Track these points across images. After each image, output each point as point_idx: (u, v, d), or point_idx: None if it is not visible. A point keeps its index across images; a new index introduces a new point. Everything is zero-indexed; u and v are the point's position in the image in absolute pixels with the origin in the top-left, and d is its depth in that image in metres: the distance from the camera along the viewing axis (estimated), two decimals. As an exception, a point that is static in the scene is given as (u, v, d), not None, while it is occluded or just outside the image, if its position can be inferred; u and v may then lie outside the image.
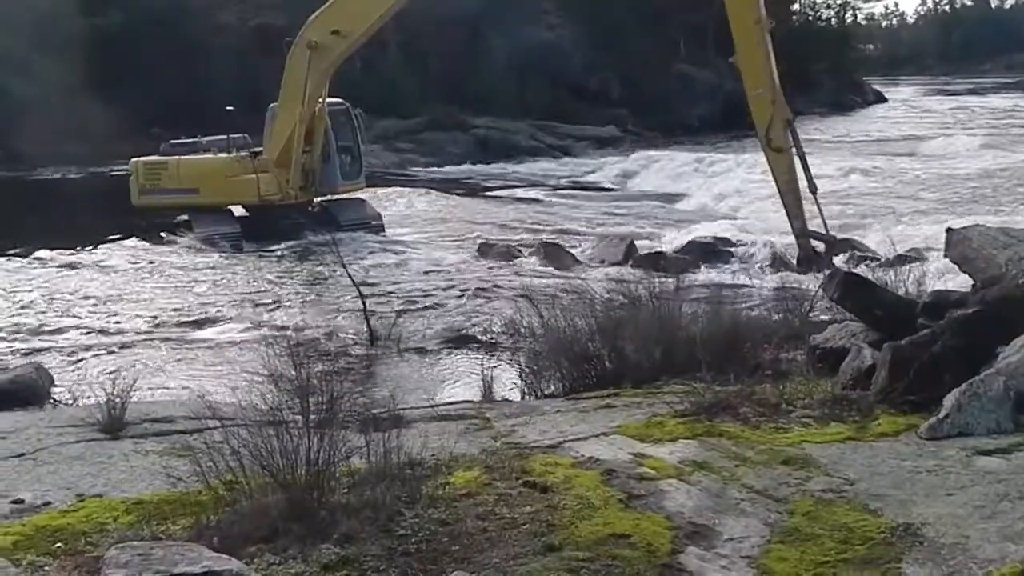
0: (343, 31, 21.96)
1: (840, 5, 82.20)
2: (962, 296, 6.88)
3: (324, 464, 4.67)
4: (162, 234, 23.96)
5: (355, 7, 21.93)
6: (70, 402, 9.57)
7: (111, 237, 23.33)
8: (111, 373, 10.07)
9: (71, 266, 20.94)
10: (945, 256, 7.69)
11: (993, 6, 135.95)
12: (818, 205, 18.92)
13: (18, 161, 38.94)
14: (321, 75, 22.36)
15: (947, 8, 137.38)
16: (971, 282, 7.13)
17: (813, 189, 18.86)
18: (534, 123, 49.26)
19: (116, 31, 42.78)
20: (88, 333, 15.33)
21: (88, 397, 8.46)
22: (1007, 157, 37.06)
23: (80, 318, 16.22)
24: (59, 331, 15.43)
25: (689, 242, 20.82)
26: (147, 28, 43.24)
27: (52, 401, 10.13)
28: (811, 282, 13.85)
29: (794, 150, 18.94)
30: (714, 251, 19.83)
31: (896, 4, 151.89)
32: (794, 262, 18.91)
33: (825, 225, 19.06)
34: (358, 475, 4.92)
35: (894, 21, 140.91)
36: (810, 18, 79.44)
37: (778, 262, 19.08)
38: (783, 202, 19.22)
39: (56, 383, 11.11)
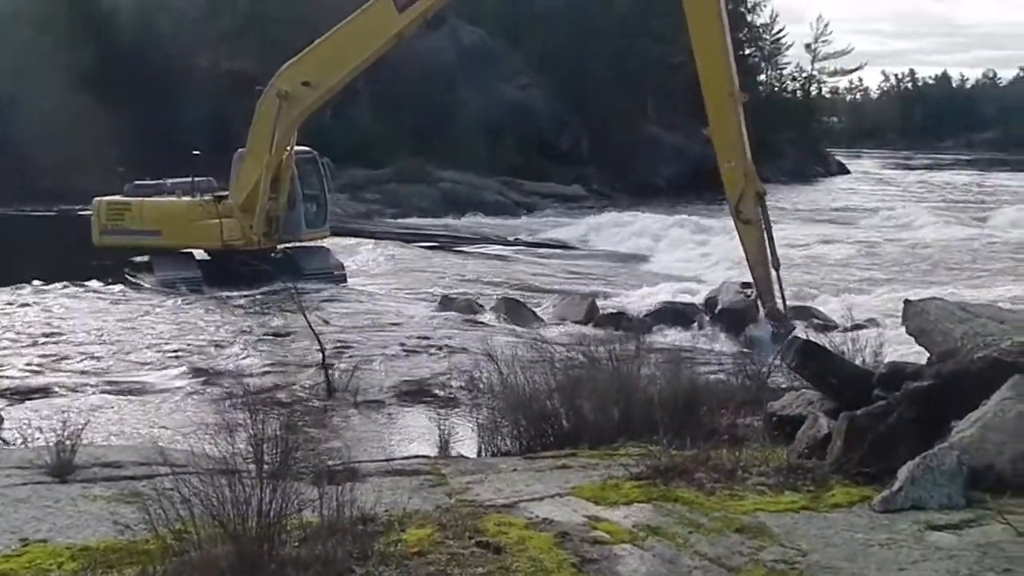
0: (313, 82, 22.05)
1: (805, 78, 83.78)
2: (918, 368, 6.94)
3: (276, 516, 4.61)
4: (123, 275, 23.79)
5: (327, 59, 22.03)
6: (19, 443, 9.39)
7: (68, 277, 23.07)
8: (62, 415, 9.90)
9: (26, 305, 20.67)
10: (902, 327, 7.76)
11: (955, 85, 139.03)
12: (779, 281, 19.10)
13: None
14: (290, 124, 22.40)
15: (910, 85, 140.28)
16: (927, 354, 7.20)
17: (776, 264, 19.06)
18: (501, 179, 49.56)
19: (90, 70, 42.66)
20: (40, 374, 15.10)
21: (37, 439, 8.31)
22: (963, 231, 37.77)
23: (32, 358, 15.99)
24: (10, 371, 15.19)
25: (658, 305, 20.88)
26: (121, 68, 43.16)
27: (0, 441, 9.95)
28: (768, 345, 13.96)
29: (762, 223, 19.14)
30: (675, 313, 19.93)
31: (860, 79, 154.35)
32: (751, 329, 19.06)
33: (784, 302, 19.23)
34: (310, 528, 4.86)
35: (858, 95, 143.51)
36: (776, 89, 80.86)
37: (737, 326, 19.21)
38: (752, 274, 19.38)
39: (5, 423, 10.93)
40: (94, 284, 22.89)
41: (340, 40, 21.96)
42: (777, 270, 19.06)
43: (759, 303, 19.35)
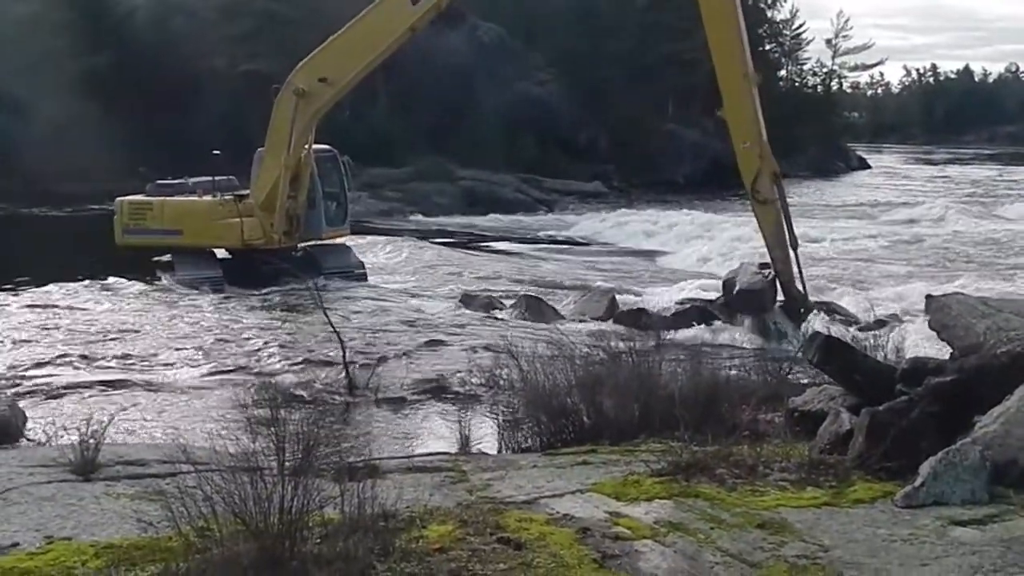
0: (330, 79, 22.11)
1: (826, 73, 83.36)
2: (940, 364, 6.90)
3: (297, 513, 4.63)
4: (142, 275, 23.92)
5: (342, 55, 22.08)
6: (43, 441, 9.46)
7: (91, 276, 23.21)
8: (85, 413, 9.96)
9: (48, 305, 20.80)
10: (924, 322, 7.73)
11: (977, 79, 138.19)
12: (798, 261, 19.01)
13: (5, 198, 38.89)
14: (307, 122, 22.46)
15: (931, 80, 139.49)
16: (950, 349, 7.16)
17: (794, 244, 18.99)
18: (520, 176, 49.55)
19: (108, 72, 42.91)
20: (63, 372, 15.19)
21: (61, 437, 8.36)
22: (985, 225, 37.56)
23: (56, 357, 16.08)
24: (34, 369, 15.29)
25: (679, 301, 20.79)
26: (138, 69, 43.39)
27: (25, 440, 10.02)
28: (791, 343, 13.91)
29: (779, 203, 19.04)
30: (696, 309, 19.85)
31: (881, 74, 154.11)
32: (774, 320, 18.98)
33: (804, 283, 19.14)
34: (331, 525, 4.87)
35: (879, 90, 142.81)
36: (796, 84, 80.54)
37: (756, 308, 19.12)
38: (770, 255, 19.29)
39: (29, 421, 11.00)
40: (116, 283, 23.00)
41: (355, 35, 22.03)
42: (795, 249, 18.95)
43: (778, 283, 19.24)
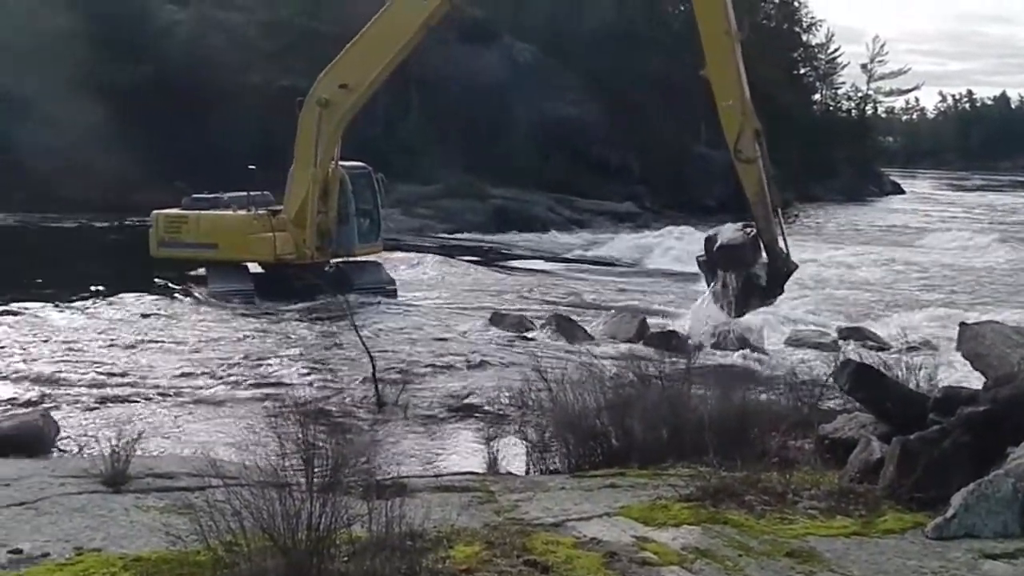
0: (351, 84, 22.39)
1: (861, 97, 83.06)
2: (973, 393, 6.84)
3: (325, 530, 4.64)
4: (176, 287, 24.13)
5: (361, 59, 22.38)
6: (75, 452, 9.54)
7: (126, 288, 23.40)
8: (117, 425, 10.03)
9: (84, 316, 20.97)
10: (957, 350, 7.67)
11: (1013, 106, 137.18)
12: (780, 222, 18.94)
13: (41, 208, 39.36)
14: (332, 132, 22.68)
15: (967, 106, 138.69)
16: (983, 378, 7.10)
17: (777, 204, 18.94)
18: (552, 195, 49.55)
19: (145, 84, 43.37)
20: (97, 385, 15.28)
21: (93, 448, 8.43)
22: (1019, 253, 37.22)
23: (90, 369, 16.20)
24: (68, 381, 15.40)
25: (710, 323, 20.57)
26: (176, 85, 43.80)
27: (57, 450, 10.11)
28: (821, 367, 13.80)
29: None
30: (726, 332, 19.74)
31: (917, 99, 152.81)
32: (765, 291, 18.95)
33: (785, 241, 19.07)
34: (359, 543, 4.88)
35: (914, 116, 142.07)
36: (831, 108, 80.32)
37: (737, 265, 19.07)
38: (753, 214, 19.24)
39: (62, 432, 11.10)
40: (149, 296, 23.17)
41: (371, 38, 22.37)
42: (776, 210, 18.88)
43: (760, 240, 19.16)
